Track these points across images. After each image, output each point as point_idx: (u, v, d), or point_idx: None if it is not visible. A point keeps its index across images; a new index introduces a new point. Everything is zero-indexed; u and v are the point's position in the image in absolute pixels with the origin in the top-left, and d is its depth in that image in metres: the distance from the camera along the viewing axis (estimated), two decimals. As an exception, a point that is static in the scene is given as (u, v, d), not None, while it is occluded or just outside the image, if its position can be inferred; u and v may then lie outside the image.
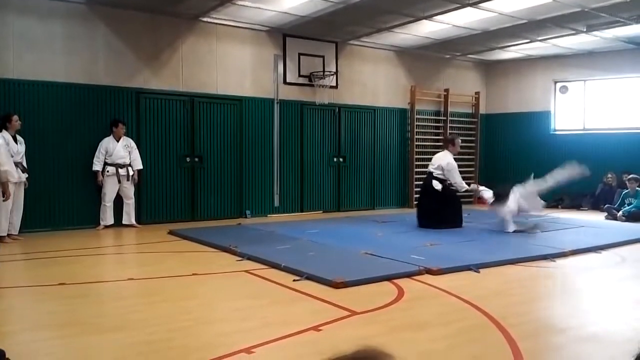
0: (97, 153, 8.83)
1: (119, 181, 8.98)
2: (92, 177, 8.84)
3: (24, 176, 7.80)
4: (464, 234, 8.08)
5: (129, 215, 9.13)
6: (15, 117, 7.79)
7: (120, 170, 8.93)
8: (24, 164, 7.84)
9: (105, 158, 8.88)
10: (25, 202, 7.88)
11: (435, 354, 3.34)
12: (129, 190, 9.09)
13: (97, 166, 8.82)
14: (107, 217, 8.91)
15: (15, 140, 7.75)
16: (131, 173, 9.04)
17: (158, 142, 9.62)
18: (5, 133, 7.60)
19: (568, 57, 12.86)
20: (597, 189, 12.05)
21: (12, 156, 7.58)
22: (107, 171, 8.88)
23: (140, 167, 9.18)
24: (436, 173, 9.07)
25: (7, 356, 3.09)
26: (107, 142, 8.90)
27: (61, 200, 8.67)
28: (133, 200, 9.17)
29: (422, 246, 6.80)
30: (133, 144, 9.11)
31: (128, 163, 9.02)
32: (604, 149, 12.27)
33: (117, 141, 8.93)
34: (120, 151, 8.91)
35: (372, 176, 12.33)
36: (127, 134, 9.12)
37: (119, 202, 9.09)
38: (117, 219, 9.06)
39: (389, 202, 12.61)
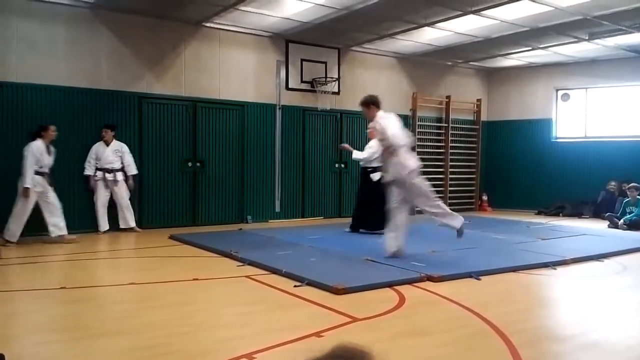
0: (88, 158, 8.80)
1: (107, 186, 8.89)
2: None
3: (50, 189, 7.86)
4: (465, 241, 8.05)
5: (126, 219, 9.02)
6: (53, 128, 7.92)
7: (107, 175, 8.82)
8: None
9: (95, 163, 8.84)
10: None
11: (436, 361, 3.33)
12: (120, 195, 8.93)
13: (87, 171, 8.77)
14: (101, 222, 8.86)
15: (48, 151, 7.83)
16: (119, 178, 8.89)
17: (160, 146, 9.63)
18: (39, 142, 7.69)
19: (570, 65, 12.89)
20: (599, 196, 12.05)
21: (42, 167, 7.69)
22: (96, 176, 8.83)
23: (134, 172, 9.04)
24: None
25: (7, 360, 3.09)
26: (97, 147, 8.83)
27: (63, 204, 8.65)
28: (128, 204, 9.00)
29: (423, 253, 6.79)
30: (125, 149, 8.98)
31: (117, 168, 8.89)
32: (606, 157, 12.27)
33: (107, 146, 8.85)
34: (109, 156, 8.80)
35: (374, 182, 12.32)
36: (129, 139, 9.14)
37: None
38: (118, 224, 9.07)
39: (390, 209, 12.58)
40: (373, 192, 8.22)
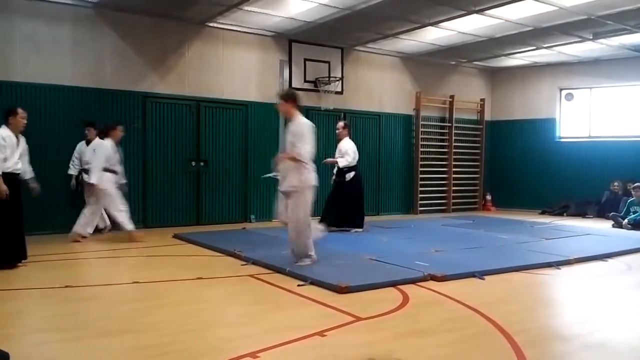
0: (72, 157, 8.63)
1: (81, 185, 8.50)
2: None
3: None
4: (469, 240, 8.05)
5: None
6: (120, 127, 8.19)
7: (84, 174, 8.46)
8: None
9: (79, 162, 8.62)
10: (31, 204, 7.91)
11: (440, 361, 3.33)
12: (88, 196, 8.35)
13: (70, 170, 8.58)
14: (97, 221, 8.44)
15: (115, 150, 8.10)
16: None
17: (164, 146, 9.65)
18: (108, 140, 7.95)
19: (574, 65, 12.86)
20: (603, 196, 12.02)
21: (112, 165, 7.97)
22: (80, 176, 8.57)
23: None
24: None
25: (11, 359, 3.10)
26: (80, 146, 8.63)
27: (66, 204, 8.69)
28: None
29: (427, 252, 6.79)
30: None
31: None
32: (610, 157, 12.26)
33: (87, 145, 8.51)
34: (86, 155, 8.44)
35: (377, 182, 12.34)
36: (133, 138, 9.14)
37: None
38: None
39: (394, 208, 12.60)
40: (352, 190, 8.85)
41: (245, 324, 4.05)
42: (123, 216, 7.99)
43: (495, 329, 3.92)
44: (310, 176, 6.00)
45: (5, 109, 6.14)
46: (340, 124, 9.24)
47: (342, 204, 8.87)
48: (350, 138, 9.10)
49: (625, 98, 12.53)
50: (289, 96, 6.30)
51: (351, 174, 8.93)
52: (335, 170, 9.07)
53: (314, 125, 6.19)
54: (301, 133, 5.99)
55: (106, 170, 7.91)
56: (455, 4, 8.59)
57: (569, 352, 3.58)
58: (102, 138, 8.07)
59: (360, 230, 8.93)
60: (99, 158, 7.88)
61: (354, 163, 8.93)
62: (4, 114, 6.05)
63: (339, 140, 9.07)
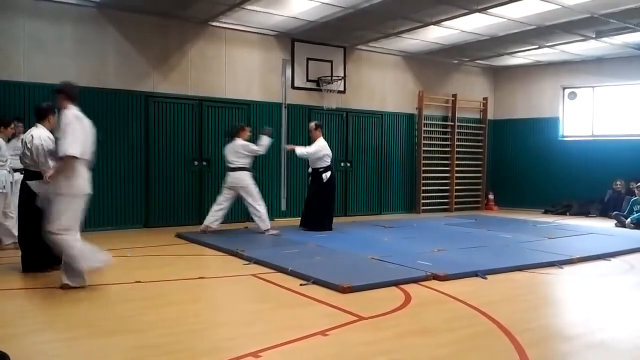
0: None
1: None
2: (97, 179, 8.76)
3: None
4: (471, 240, 8.04)
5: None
6: (248, 128, 8.66)
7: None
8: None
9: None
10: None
11: (442, 360, 3.32)
12: (11, 200, 6.97)
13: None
14: None
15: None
16: (15, 178, 6.95)
17: (166, 145, 9.65)
18: (239, 140, 8.42)
19: (576, 64, 12.83)
20: (606, 195, 12.00)
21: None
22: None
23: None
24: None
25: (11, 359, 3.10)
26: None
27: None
28: (12, 213, 6.95)
29: (429, 252, 6.79)
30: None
31: (16, 167, 6.84)
32: (613, 156, 12.23)
33: (7, 142, 7.10)
34: (1, 149, 6.89)
35: (379, 181, 12.33)
36: (135, 138, 9.14)
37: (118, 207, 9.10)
38: (126, 221, 9.08)
39: (396, 207, 12.59)
40: (324, 191, 8.90)
41: (247, 324, 4.05)
42: (262, 211, 8.47)
43: (498, 328, 3.92)
44: (79, 182, 5.05)
45: (40, 107, 6.12)
46: (312, 124, 9.29)
47: (317, 205, 8.93)
48: (323, 137, 9.14)
49: (628, 97, 12.49)
50: (60, 89, 5.41)
51: (327, 174, 8.95)
52: (310, 171, 9.15)
53: (82, 116, 5.30)
54: (65, 128, 5.07)
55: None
56: (458, 2, 8.57)
57: (572, 351, 3.57)
58: (232, 139, 8.44)
59: (327, 232, 8.83)
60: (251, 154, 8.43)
61: (318, 155, 8.85)
62: (44, 112, 6.04)
63: (313, 141, 9.11)
